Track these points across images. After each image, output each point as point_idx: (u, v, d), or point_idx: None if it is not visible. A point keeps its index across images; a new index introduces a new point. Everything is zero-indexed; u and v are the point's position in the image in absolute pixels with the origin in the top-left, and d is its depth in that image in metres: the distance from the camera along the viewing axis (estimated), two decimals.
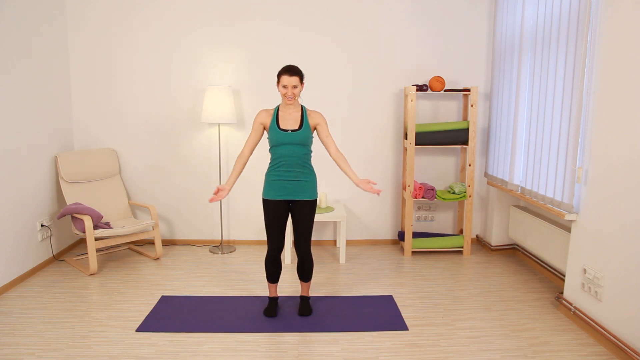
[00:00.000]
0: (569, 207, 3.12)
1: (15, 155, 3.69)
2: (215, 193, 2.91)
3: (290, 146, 2.94)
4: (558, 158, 3.25)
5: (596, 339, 2.88)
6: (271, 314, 3.17)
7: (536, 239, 3.85)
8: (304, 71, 4.43)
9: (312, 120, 3.00)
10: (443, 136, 4.32)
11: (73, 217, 3.97)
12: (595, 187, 2.92)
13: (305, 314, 3.19)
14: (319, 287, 3.69)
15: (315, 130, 3.06)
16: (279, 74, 2.92)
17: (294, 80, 2.90)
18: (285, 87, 2.91)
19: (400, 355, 2.72)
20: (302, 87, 2.98)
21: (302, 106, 3.04)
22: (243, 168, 3.06)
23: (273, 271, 3.15)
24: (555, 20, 3.29)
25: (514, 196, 4.22)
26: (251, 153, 3.07)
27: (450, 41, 4.50)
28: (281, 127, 2.96)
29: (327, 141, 3.03)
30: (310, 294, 3.51)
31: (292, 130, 2.94)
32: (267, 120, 3.00)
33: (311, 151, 3.04)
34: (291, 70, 2.90)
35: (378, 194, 2.91)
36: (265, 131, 3.08)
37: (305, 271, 3.17)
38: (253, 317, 3.17)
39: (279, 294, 3.47)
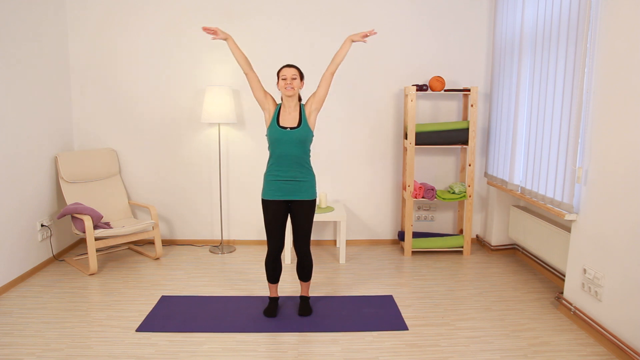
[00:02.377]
0: (569, 207, 3.12)
1: (15, 155, 3.69)
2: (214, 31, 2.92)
3: (289, 145, 2.94)
4: (558, 158, 3.25)
5: (596, 339, 2.88)
6: (271, 314, 3.17)
7: (536, 239, 3.85)
8: (302, 70, 4.46)
9: (307, 109, 3.01)
10: (443, 136, 4.32)
11: (73, 217, 3.97)
12: (595, 187, 2.92)
13: (305, 314, 3.19)
14: (319, 287, 3.69)
15: (316, 109, 2.99)
16: (279, 71, 2.97)
17: (293, 70, 2.93)
18: (284, 78, 2.92)
19: (400, 355, 2.72)
20: (302, 84, 3.00)
21: (301, 104, 3.04)
22: (243, 56, 2.96)
23: (273, 271, 3.15)
24: (555, 20, 3.29)
25: (514, 196, 4.22)
26: (251, 69, 2.98)
27: (450, 41, 4.50)
28: (280, 124, 2.96)
29: (321, 82, 2.98)
30: (310, 294, 3.51)
31: (290, 128, 2.94)
32: (271, 108, 3.01)
33: (309, 150, 3.04)
34: (290, 64, 2.97)
35: (371, 33, 2.92)
36: (264, 113, 3.04)
37: (304, 271, 3.17)
38: (253, 317, 3.17)
39: (279, 294, 3.47)
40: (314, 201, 3.06)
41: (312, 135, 3.01)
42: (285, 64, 2.99)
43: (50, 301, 3.39)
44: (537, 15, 3.56)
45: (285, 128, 2.94)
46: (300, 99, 3.07)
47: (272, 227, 3.04)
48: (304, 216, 3.03)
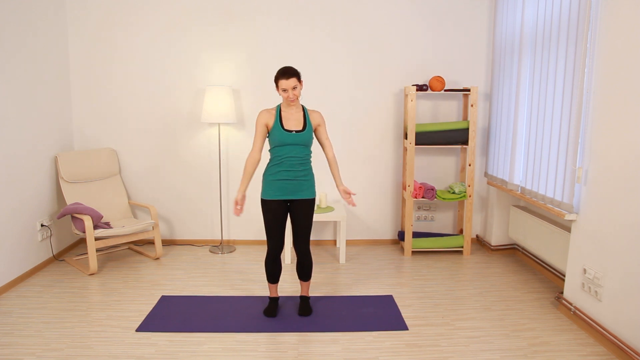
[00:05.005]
0: (569, 207, 3.12)
1: (15, 155, 3.69)
2: (236, 206, 2.96)
3: (294, 147, 2.94)
4: (558, 158, 3.25)
5: (596, 339, 2.88)
6: (271, 314, 3.17)
7: (536, 239, 3.85)
8: (302, 70, 4.46)
9: (313, 121, 3.04)
10: (443, 136, 4.32)
11: (73, 217, 3.97)
12: (595, 187, 2.92)
13: (305, 314, 3.19)
14: (319, 287, 3.69)
15: (315, 131, 3.08)
16: (276, 79, 2.91)
17: (292, 81, 2.88)
18: (285, 90, 2.89)
19: (400, 355, 2.72)
20: (302, 85, 2.98)
21: (302, 106, 3.05)
22: (254, 171, 3.02)
23: (273, 271, 3.15)
24: (555, 20, 3.29)
25: (514, 196, 4.22)
26: (261, 155, 3.03)
27: (450, 41, 4.50)
28: (285, 127, 2.95)
29: (326, 143, 3.12)
30: (310, 294, 3.51)
31: (296, 131, 2.94)
32: (270, 120, 2.97)
33: (311, 151, 3.05)
34: (287, 73, 2.88)
35: (353, 205, 3.02)
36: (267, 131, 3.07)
37: (304, 270, 3.17)
38: (253, 317, 3.17)
39: (279, 294, 3.47)
40: (314, 200, 3.07)
41: (313, 137, 3.07)
42: (281, 72, 2.89)
43: (50, 301, 3.39)
44: (537, 15, 3.56)
45: (291, 131, 2.94)
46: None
47: (272, 227, 3.04)
48: (304, 215, 3.03)
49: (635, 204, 2.57)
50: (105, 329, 3.00)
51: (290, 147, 2.94)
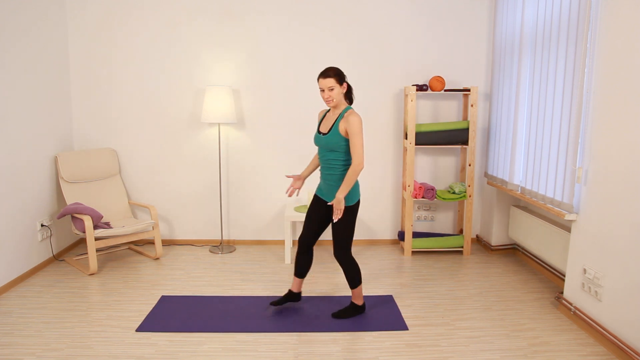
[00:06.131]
0: (569, 207, 3.12)
1: (15, 155, 3.69)
2: (292, 185, 3.14)
3: (321, 149, 2.98)
4: (558, 158, 3.25)
5: (596, 339, 2.88)
6: (276, 303, 3.16)
7: (536, 239, 3.85)
8: (302, 70, 4.46)
9: (341, 125, 2.84)
10: (443, 136, 4.32)
11: (73, 217, 3.97)
12: (595, 187, 2.92)
13: (335, 316, 3.15)
14: (319, 287, 3.69)
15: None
16: (317, 79, 2.88)
17: (329, 82, 2.80)
18: (322, 90, 2.86)
19: (400, 355, 2.72)
20: (343, 88, 2.87)
21: (345, 109, 2.90)
22: (316, 161, 3.19)
23: (299, 263, 3.16)
24: (555, 20, 3.29)
25: (514, 196, 4.22)
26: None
27: (450, 41, 4.50)
28: (320, 129, 3.00)
29: (351, 151, 2.83)
30: (310, 294, 3.51)
31: (323, 134, 2.94)
32: (318, 119, 3.11)
33: (343, 158, 2.89)
34: (325, 73, 2.83)
35: (333, 219, 2.88)
36: None
37: (346, 277, 3.09)
38: (253, 317, 3.17)
39: (279, 294, 3.46)
40: (347, 207, 2.90)
41: (344, 142, 2.85)
42: (320, 73, 2.83)
43: (50, 301, 3.39)
44: (537, 15, 3.56)
45: (320, 133, 2.98)
46: (350, 101, 2.99)
47: (306, 217, 3.13)
48: (335, 221, 2.94)
49: (635, 204, 2.57)
50: (105, 329, 3.00)
51: (319, 149, 3.01)
